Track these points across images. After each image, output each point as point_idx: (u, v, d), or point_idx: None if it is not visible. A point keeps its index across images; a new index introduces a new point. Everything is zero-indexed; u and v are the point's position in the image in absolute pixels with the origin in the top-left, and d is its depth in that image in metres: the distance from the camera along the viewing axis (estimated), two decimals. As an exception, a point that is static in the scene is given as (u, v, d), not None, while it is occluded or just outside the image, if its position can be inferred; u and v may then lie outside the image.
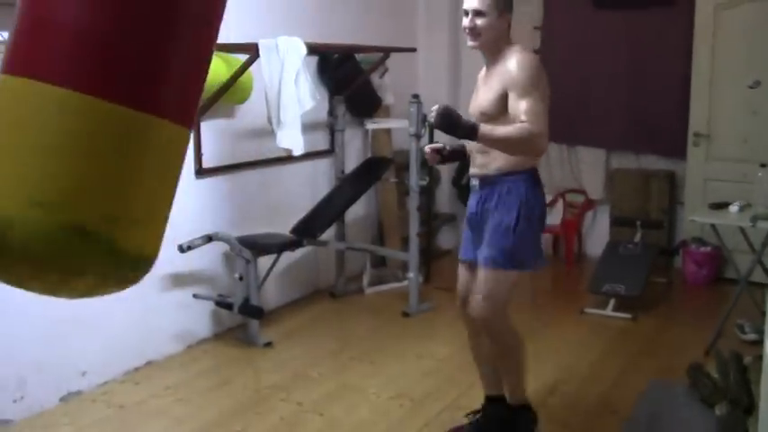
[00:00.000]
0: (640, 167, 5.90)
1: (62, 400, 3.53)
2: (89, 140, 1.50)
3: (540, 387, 3.63)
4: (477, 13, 2.84)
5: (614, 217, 5.82)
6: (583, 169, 6.08)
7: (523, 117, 2.68)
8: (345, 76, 5.12)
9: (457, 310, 3.20)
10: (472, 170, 3.04)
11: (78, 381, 3.61)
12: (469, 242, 3.09)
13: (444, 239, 6.40)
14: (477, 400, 3.26)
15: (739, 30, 5.25)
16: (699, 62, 5.42)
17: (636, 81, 5.69)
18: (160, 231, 1.71)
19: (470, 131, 2.66)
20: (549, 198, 6.25)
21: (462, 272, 3.13)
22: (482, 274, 2.96)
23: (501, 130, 2.70)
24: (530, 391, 3.20)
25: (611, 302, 4.74)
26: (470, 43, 2.91)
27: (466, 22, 2.87)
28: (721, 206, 4.23)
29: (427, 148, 3.11)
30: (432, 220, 5.81)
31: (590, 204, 6.12)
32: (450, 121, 2.65)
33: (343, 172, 5.16)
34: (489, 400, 3.20)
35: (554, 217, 6.25)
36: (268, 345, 4.23)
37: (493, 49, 2.90)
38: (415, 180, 4.75)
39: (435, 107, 2.69)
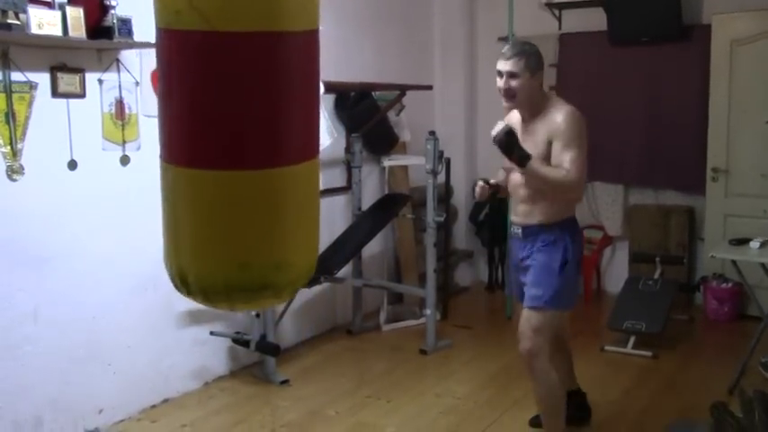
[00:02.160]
0: (659, 203, 5.87)
1: (78, 438, 3.53)
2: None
3: (560, 426, 3.58)
4: (511, 75, 2.95)
5: (633, 253, 5.77)
6: (600, 205, 6.05)
7: (567, 165, 2.88)
8: (362, 113, 5.16)
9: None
10: (514, 218, 3.18)
11: (95, 419, 3.60)
12: (518, 286, 3.24)
13: (462, 276, 6.37)
14: (495, 439, 3.23)
15: (756, 65, 5.25)
16: (716, 97, 5.41)
17: (653, 116, 5.68)
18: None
19: (523, 158, 2.87)
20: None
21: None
22: (527, 313, 3.06)
23: (546, 169, 2.91)
24: (549, 431, 3.16)
25: (632, 340, 4.68)
26: (505, 104, 3.03)
27: (500, 83, 2.99)
28: (742, 242, 4.19)
29: (479, 187, 3.22)
30: (449, 257, 5.79)
31: (608, 240, 6.08)
32: (511, 143, 2.86)
33: (360, 209, 5.17)
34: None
35: (572, 253, 6.21)
36: (285, 382, 4.21)
37: (528, 106, 3.02)
38: (431, 216, 4.75)
39: (500, 124, 2.89)
